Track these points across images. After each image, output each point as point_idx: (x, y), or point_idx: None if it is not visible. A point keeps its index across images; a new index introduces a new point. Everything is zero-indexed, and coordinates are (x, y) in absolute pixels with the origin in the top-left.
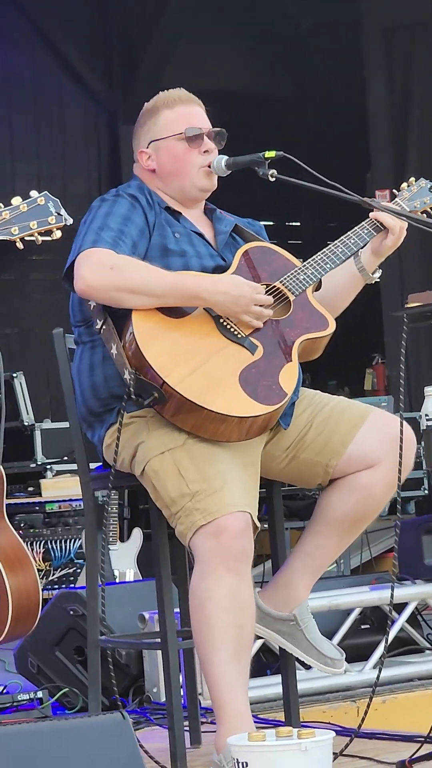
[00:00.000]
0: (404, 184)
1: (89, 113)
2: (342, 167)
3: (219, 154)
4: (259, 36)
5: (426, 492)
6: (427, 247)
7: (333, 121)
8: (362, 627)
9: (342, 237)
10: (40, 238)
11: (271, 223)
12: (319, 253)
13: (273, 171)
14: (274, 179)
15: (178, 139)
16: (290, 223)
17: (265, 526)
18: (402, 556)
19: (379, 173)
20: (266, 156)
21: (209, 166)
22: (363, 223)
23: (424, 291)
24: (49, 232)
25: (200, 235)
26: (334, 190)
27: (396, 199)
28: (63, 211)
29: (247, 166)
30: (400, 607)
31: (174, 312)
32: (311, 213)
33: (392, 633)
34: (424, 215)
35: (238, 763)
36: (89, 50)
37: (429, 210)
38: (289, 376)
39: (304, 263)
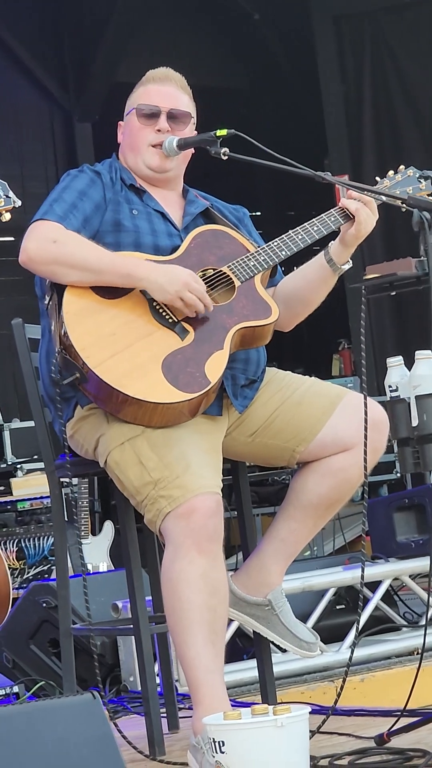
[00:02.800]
0: (390, 171)
1: (44, 112)
2: (299, 155)
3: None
4: (212, 29)
5: (398, 475)
6: (388, 227)
7: (288, 110)
8: (337, 607)
9: (305, 224)
10: None
11: (258, 213)
12: (276, 239)
13: (225, 149)
14: (226, 157)
15: (136, 114)
16: (251, 213)
17: (234, 513)
18: (374, 535)
19: (336, 159)
20: (218, 134)
21: (160, 146)
22: (331, 210)
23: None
24: None
25: (162, 214)
26: (286, 165)
27: (374, 188)
28: (12, 194)
29: (199, 145)
30: (375, 586)
31: (109, 293)
32: (271, 202)
33: (367, 612)
34: (404, 206)
35: (214, 742)
36: (42, 48)
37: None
38: (217, 364)
39: (257, 249)
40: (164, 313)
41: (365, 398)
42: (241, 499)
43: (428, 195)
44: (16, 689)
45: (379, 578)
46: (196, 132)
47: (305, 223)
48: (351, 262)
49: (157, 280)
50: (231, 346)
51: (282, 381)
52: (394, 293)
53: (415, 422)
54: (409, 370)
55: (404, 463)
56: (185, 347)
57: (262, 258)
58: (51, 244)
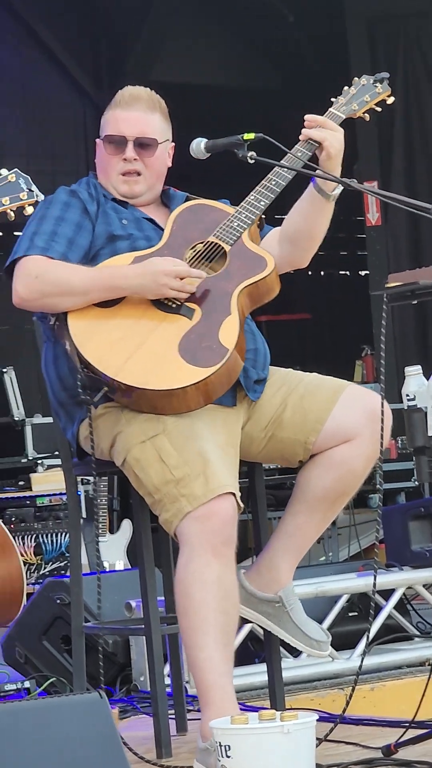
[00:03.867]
0: (345, 87)
1: (77, 109)
2: None
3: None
4: (246, 30)
5: (416, 483)
6: (415, 235)
7: (320, 113)
8: (350, 614)
9: (275, 168)
10: (13, 214)
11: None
12: (252, 193)
13: (252, 153)
14: (253, 161)
15: (105, 142)
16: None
17: (250, 515)
18: (389, 543)
19: (366, 164)
20: (245, 138)
21: (129, 173)
22: (296, 146)
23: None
24: (21, 209)
25: (150, 220)
26: (312, 171)
27: (331, 109)
28: (34, 187)
29: (226, 149)
30: (388, 595)
31: (108, 302)
32: None
33: (379, 620)
34: (367, 115)
35: (220, 746)
36: (77, 45)
37: (374, 107)
38: (230, 329)
39: (237, 209)
40: (167, 301)
41: (382, 404)
42: (257, 502)
43: (388, 95)
44: (27, 684)
45: (392, 587)
46: (173, 146)
47: (275, 168)
48: (340, 186)
49: (139, 283)
50: (239, 308)
51: (285, 376)
52: (416, 302)
53: (431, 431)
54: (428, 380)
55: (420, 473)
56: (195, 325)
57: (244, 216)
58: (34, 280)
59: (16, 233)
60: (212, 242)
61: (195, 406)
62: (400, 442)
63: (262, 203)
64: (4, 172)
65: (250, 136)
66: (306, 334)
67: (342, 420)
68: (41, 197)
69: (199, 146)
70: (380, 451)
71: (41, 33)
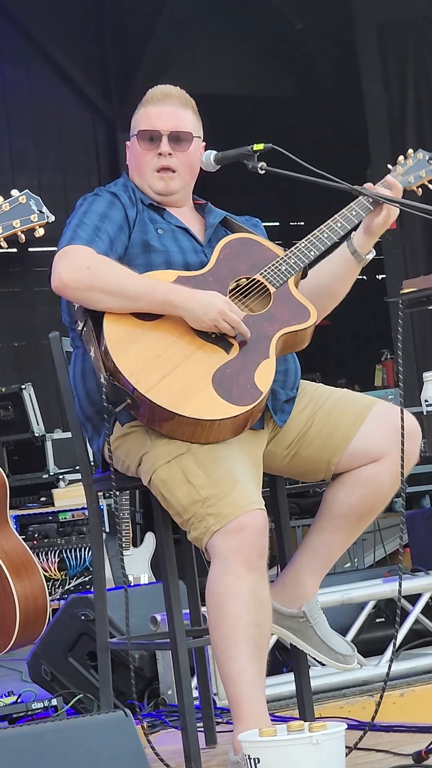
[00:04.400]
0: (401, 157)
1: (87, 122)
2: (342, 164)
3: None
4: (255, 39)
5: None
6: (430, 237)
7: (332, 119)
8: (377, 621)
9: (328, 221)
10: (23, 237)
11: (277, 223)
12: (303, 240)
13: (262, 163)
14: (263, 172)
15: (137, 139)
16: (294, 223)
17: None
18: (414, 547)
19: (379, 169)
20: (255, 149)
21: (164, 170)
22: (351, 204)
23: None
24: (32, 230)
25: (186, 230)
26: (323, 179)
27: (388, 175)
28: (45, 209)
29: (237, 160)
30: (415, 600)
31: (147, 315)
32: (315, 212)
33: (406, 625)
34: (420, 189)
35: (249, 759)
36: (86, 59)
37: (426, 183)
38: (265, 373)
39: (287, 252)
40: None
41: (402, 411)
42: (279, 511)
43: None
44: (54, 702)
45: (418, 591)
46: (203, 145)
47: (328, 221)
48: (374, 251)
49: (193, 310)
50: (276, 352)
51: (314, 392)
52: (431, 307)
53: None
54: None
55: None
56: (232, 360)
57: (293, 261)
58: (85, 270)
59: (30, 249)
60: (258, 280)
61: (215, 440)
62: (422, 444)
63: (312, 253)
64: (15, 193)
65: (260, 146)
66: (326, 340)
67: (370, 439)
68: (52, 218)
69: (209, 158)
70: (401, 470)
71: (50, 48)
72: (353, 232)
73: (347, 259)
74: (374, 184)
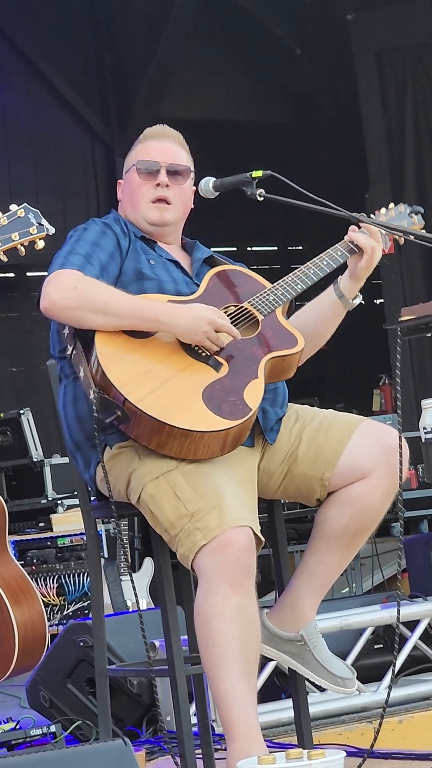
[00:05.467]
0: (383, 209)
1: (86, 148)
2: (341, 190)
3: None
4: (253, 64)
5: None
6: (430, 265)
7: (330, 144)
8: (375, 647)
9: (315, 258)
10: (23, 250)
11: (275, 248)
12: (290, 275)
13: (261, 190)
14: (262, 198)
15: (135, 171)
16: (293, 247)
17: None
18: (412, 572)
19: (377, 193)
20: (253, 176)
21: (160, 201)
22: (336, 245)
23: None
24: (32, 244)
25: (176, 263)
26: (321, 207)
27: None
28: (44, 221)
29: (235, 187)
30: (413, 626)
31: (138, 333)
32: (314, 237)
33: (405, 652)
34: (402, 239)
35: None
36: (84, 85)
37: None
38: (254, 392)
39: (274, 285)
40: (197, 348)
41: (400, 438)
42: (277, 536)
43: (421, 228)
44: (53, 728)
45: (417, 617)
46: (194, 188)
47: (314, 258)
48: (361, 296)
49: (182, 324)
50: (264, 375)
51: (301, 412)
52: (430, 335)
53: None
54: None
55: None
56: (222, 378)
57: (280, 292)
58: (72, 290)
59: (29, 274)
60: (245, 308)
61: (203, 455)
62: (420, 470)
63: (299, 287)
64: (14, 207)
65: (258, 173)
66: (324, 365)
67: (356, 456)
68: (51, 230)
69: (207, 186)
70: (399, 484)
71: (48, 73)
72: (341, 277)
73: (334, 303)
74: (357, 229)
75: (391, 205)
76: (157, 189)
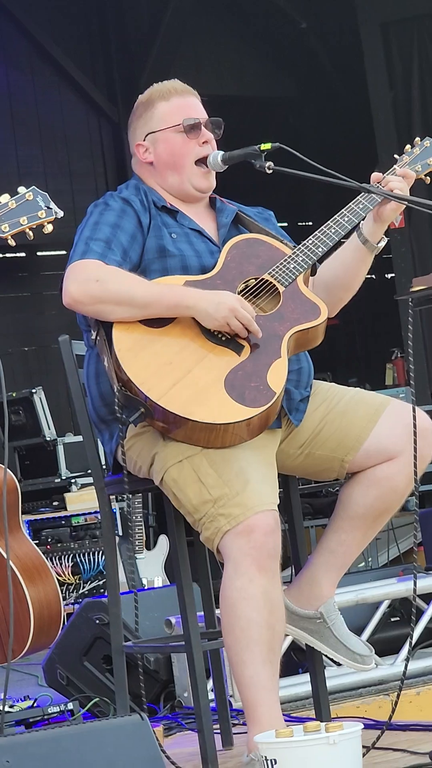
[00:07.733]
0: (408, 146)
1: (93, 126)
2: (348, 163)
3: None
4: (259, 39)
5: None
6: None
7: (337, 118)
8: (392, 620)
9: (335, 216)
10: (32, 234)
11: (285, 223)
12: (310, 237)
13: (270, 163)
14: (271, 171)
15: (175, 130)
16: (302, 223)
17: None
18: (428, 545)
19: (386, 166)
20: (262, 148)
21: (206, 164)
22: (358, 197)
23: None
24: (41, 227)
25: (199, 232)
26: (331, 178)
27: (394, 166)
28: (53, 204)
29: (244, 160)
30: (430, 598)
31: (156, 322)
32: (323, 212)
33: (421, 624)
34: (428, 178)
35: (266, 760)
36: (90, 63)
37: None
38: (278, 373)
39: (294, 250)
40: (216, 332)
41: (414, 410)
42: (292, 512)
43: None
44: (70, 706)
45: None
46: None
47: (335, 216)
48: (385, 238)
49: (204, 308)
50: (287, 352)
51: (327, 392)
52: None
53: None
54: None
55: None
56: (244, 362)
57: (301, 258)
58: (93, 284)
59: (39, 253)
60: (266, 280)
61: (230, 443)
62: None
63: (320, 249)
64: (22, 190)
65: (267, 146)
66: (337, 340)
67: (383, 438)
68: (60, 214)
69: (216, 159)
70: (414, 469)
71: (54, 53)
72: (362, 222)
73: (359, 249)
74: (383, 174)
75: (417, 140)
76: (203, 146)
